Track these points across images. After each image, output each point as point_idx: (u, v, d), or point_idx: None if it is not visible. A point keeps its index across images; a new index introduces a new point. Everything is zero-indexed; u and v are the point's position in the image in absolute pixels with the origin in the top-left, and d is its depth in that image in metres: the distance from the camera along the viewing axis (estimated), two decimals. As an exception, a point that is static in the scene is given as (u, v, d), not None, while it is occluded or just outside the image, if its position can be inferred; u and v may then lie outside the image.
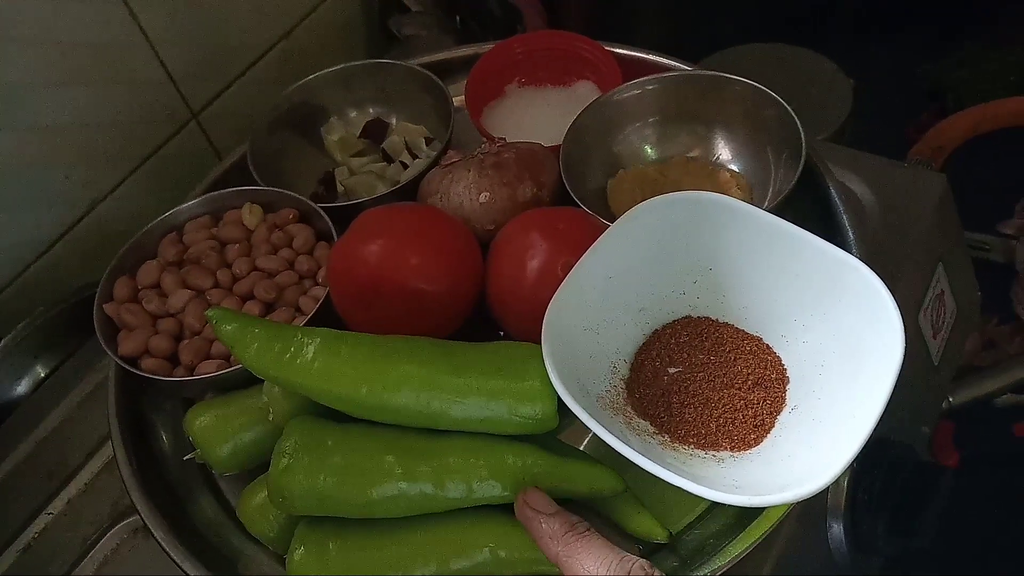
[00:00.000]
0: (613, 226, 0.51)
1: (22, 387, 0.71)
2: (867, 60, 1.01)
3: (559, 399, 0.46)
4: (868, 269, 0.47)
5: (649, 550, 0.50)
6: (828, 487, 0.42)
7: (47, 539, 0.61)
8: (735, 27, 1.08)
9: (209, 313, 0.46)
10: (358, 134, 0.71)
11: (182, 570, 0.50)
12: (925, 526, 0.57)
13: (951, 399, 0.83)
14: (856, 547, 0.57)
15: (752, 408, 0.50)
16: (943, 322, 0.71)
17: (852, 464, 0.42)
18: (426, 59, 0.74)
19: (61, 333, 0.71)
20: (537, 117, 0.70)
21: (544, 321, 0.47)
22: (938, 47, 1.22)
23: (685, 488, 0.42)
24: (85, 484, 0.63)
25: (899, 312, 0.45)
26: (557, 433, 0.50)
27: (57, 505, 0.62)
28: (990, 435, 0.92)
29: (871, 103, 0.92)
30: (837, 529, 0.57)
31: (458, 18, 0.97)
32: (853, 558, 0.58)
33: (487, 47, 0.72)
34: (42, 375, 0.71)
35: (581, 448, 0.52)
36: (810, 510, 0.57)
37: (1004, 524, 0.86)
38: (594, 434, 0.51)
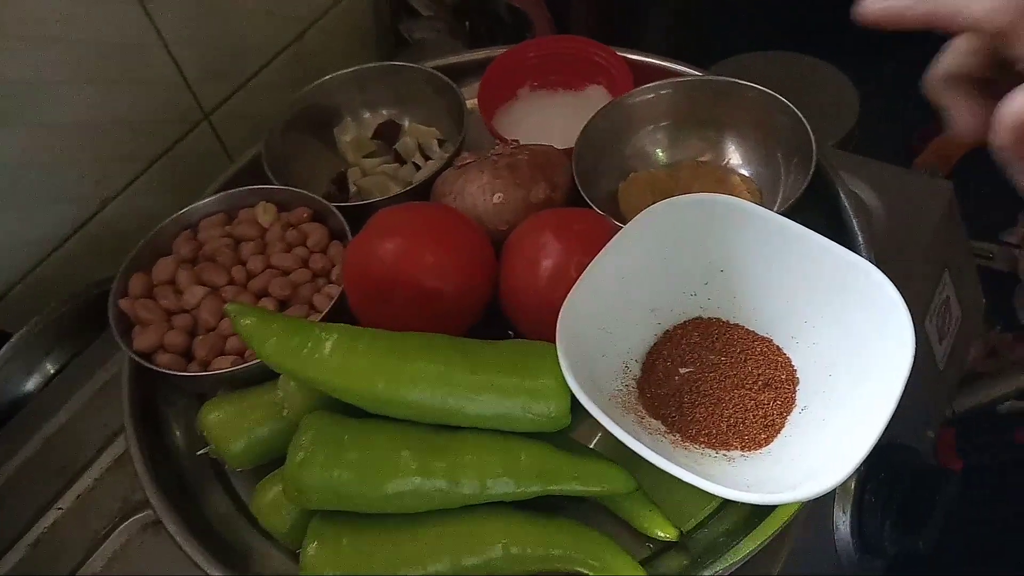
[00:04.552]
0: (627, 227, 0.52)
1: (32, 383, 0.71)
2: (871, 71, 1.01)
3: (572, 398, 0.47)
4: (879, 272, 0.47)
5: (659, 549, 0.50)
6: (836, 488, 0.43)
7: (57, 534, 0.60)
8: (741, 37, 1.08)
9: (228, 307, 0.47)
10: (370, 135, 0.72)
11: (195, 564, 0.50)
12: (931, 528, 0.57)
13: (954, 406, 0.84)
14: (863, 548, 0.58)
15: (762, 408, 0.50)
16: (948, 328, 0.71)
17: (860, 466, 0.42)
18: (439, 62, 0.74)
19: (72, 330, 0.71)
20: (549, 121, 0.71)
21: (559, 320, 0.48)
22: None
23: (697, 485, 0.42)
24: (95, 480, 0.62)
25: (910, 315, 0.46)
26: (569, 432, 0.50)
27: (67, 500, 0.62)
28: (992, 441, 0.93)
29: (875, 114, 0.93)
30: (844, 530, 0.57)
31: (467, 23, 0.98)
32: (860, 559, 0.58)
33: (499, 51, 0.73)
34: (52, 371, 0.71)
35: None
36: (817, 511, 0.57)
37: (1008, 527, 0.87)
38: (604, 434, 0.52)
